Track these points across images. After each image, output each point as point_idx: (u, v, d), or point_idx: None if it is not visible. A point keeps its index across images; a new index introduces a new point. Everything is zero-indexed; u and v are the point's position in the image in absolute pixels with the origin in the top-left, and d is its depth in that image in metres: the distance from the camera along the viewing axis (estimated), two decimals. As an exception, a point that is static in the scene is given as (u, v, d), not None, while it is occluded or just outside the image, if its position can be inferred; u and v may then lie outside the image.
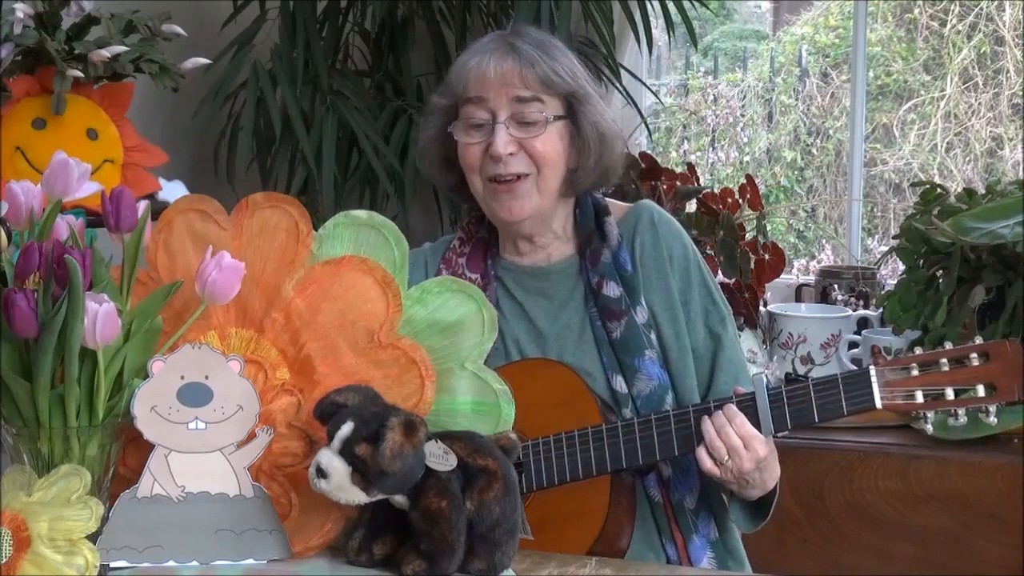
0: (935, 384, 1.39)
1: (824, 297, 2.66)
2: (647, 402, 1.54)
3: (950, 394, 1.39)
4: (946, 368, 1.40)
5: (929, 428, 1.41)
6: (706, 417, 1.43)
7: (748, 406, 1.43)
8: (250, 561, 1.25)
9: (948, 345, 1.42)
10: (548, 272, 1.64)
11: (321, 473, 1.17)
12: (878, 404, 1.41)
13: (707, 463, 1.43)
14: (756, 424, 1.43)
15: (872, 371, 1.41)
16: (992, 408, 1.38)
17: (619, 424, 1.48)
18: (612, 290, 1.58)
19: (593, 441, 1.47)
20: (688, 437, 1.45)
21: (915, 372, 1.41)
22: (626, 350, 1.56)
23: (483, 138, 1.56)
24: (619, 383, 1.55)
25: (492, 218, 1.62)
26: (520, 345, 1.62)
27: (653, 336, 1.58)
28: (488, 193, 1.58)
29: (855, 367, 2.37)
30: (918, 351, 1.43)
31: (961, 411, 1.39)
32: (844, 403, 1.42)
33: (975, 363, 1.39)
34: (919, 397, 1.40)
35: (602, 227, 1.62)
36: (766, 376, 1.45)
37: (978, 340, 1.40)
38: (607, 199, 1.67)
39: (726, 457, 1.42)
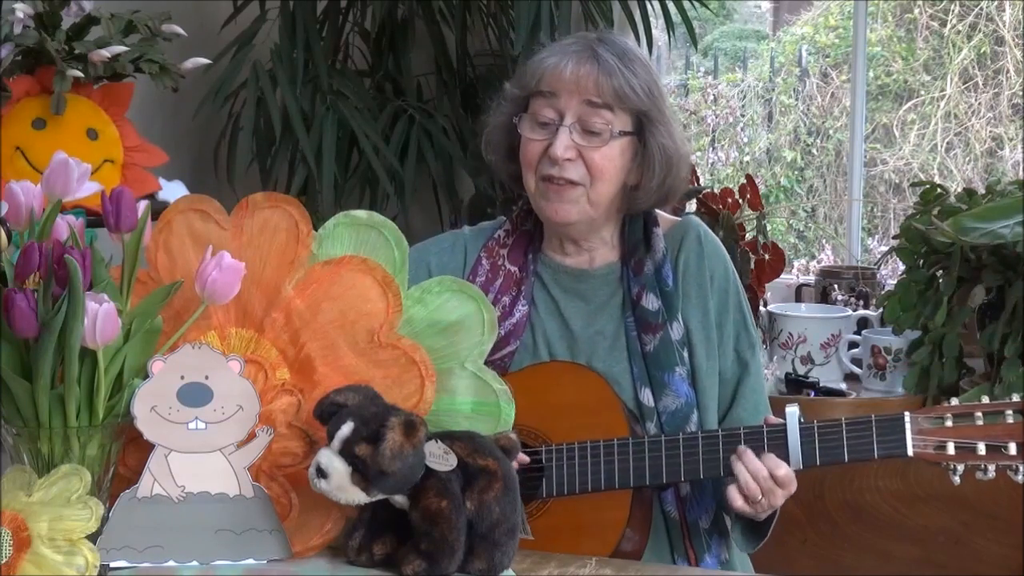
0: (968, 437, 1.37)
1: (824, 297, 2.66)
2: (672, 418, 1.53)
3: (981, 448, 1.36)
4: (980, 422, 1.37)
5: (957, 480, 1.39)
6: (736, 460, 1.42)
7: (779, 438, 1.42)
8: (250, 561, 1.24)
9: (985, 399, 1.39)
10: (589, 275, 1.63)
11: (321, 473, 1.17)
12: (910, 452, 1.39)
13: (739, 502, 1.42)
14: (785, 456, 1.42)
15: (907, 417, 1.39)
16: (1021, 467, 1.36)
17: (646, 440, 1.46)
18: (651, 302, 1.57)
19: (619, 454, 1.45)
20: (715, 462, 1.44)
21: (948, 423, 1.38)
22: (658, 364, 1.55)
23: (546, 137, 1.54)
24: (647, 396, 1.54)
25: (540, 215, 1.61)
26: (550, 343, 1.61)
27: (685, 354, 1.56)
28: (539, 192, 1.57)
29: (855, 367, 2.38)
30: (954, 402, 1.40)
31: (991, 466, 1.36)
32: (876, 447, 1.40)
33: (1010, 420, 1.36)
34: (951, 449, 1.37)
35: (649, 238, 1.61)
36: (798, 409, 1.44)
37: (1015, 397, 1.38)
38: (656, 211, 1.65)
39: (760, 496, 1.42)
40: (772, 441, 1.42)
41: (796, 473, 1.43)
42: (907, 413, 1.40)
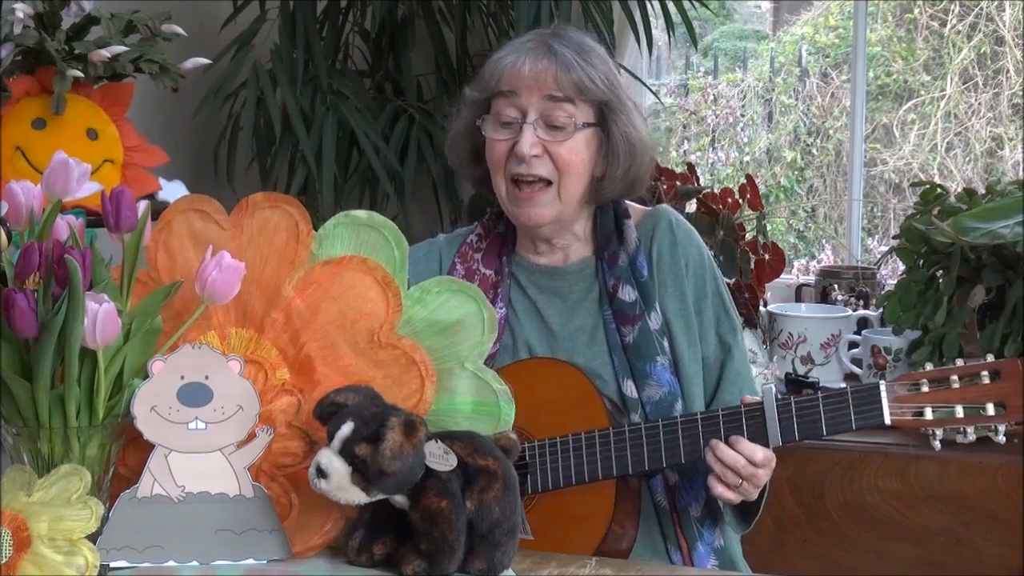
0: (945, 401, 1.38)
1: (824, 297, 2.66)
2: (656, 408, 1.54)
3: (959, 411, 1.38)
4: (956, 385, 1.39)
5: (937, 445, 1.41)
6: (709, 452, 1.43)
7: (756, 416, 1.43)
8: (250, 561, 1.24)
9: (960, 362, 1.41)
10: (564, 272, 1.64)
11: (321, 473, 1.17)
12: (887, 420, 1.40)
13: (718, 489, 1.43)
14: (764, 433, 1.42)
15: (882, 386, 1.40)
16: (1001, 427, 1.37)
17: (626, 429, 1.47)
18: (628, 294, 1.58)
19: (600, 445, 1.46)
20: (695, 445, 1.45)
21: (925, 388, 1.40)
22: (638, 355, 1.55)
23: (510, 136, 1.55)
24: (629, 388, 1.55)
25: (513, 220, 1.62)
26: (530, 344, 1.61)
27: (665, 343, 1.57)
28: (510, 197, 1.58)
29: (855, 367, 2.38)
30: (929, 367, 1.42)
31: (970, 429, 1.38)
32: (853, 417, 1.41)
33: (985, 381, 1.38)
34: (928, 414, 1.39)
35: (621, 230, 1.62)
36: (774, 386, 1.45)
37: (990, 358, 1.39)
38: (627, 202, 1.66)
39: (740, 482, 1.42)
40: (750, 420, 1.43)
41: (776, 450, 1.44)
42: (882, 382, 1.41)
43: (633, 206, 1.66)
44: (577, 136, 1.54)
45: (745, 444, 1.42)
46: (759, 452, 1.42)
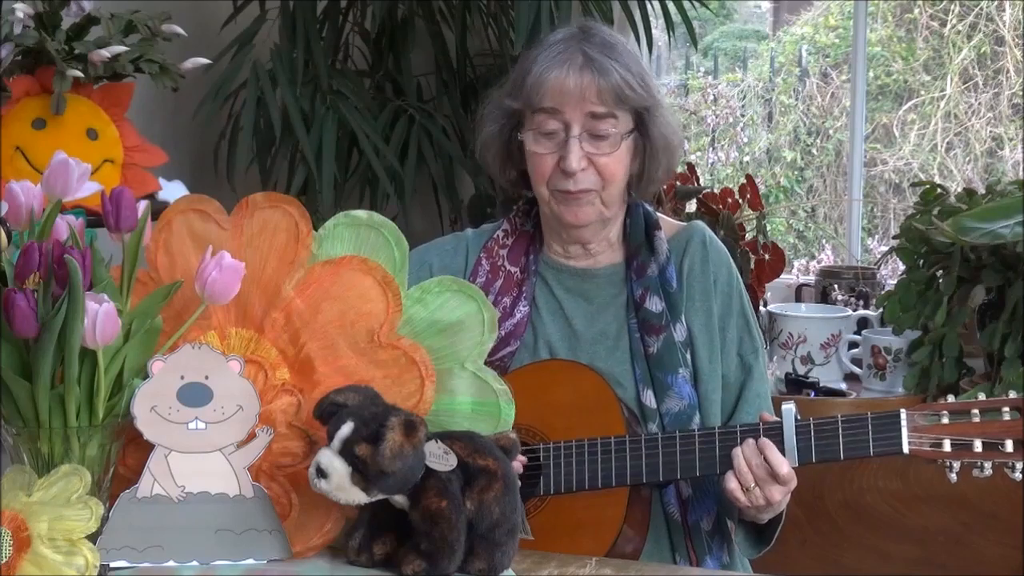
0: (964, 434, 1.37)
1: (824, 297, 2.66)
2: (675, 420, 1.53)
3: (978, 446, 1.36)
4: (977, 419, 1.37)
5: (953, 477, 1.39)
6: (738, 449, 1.42)
7: (775, 435, 1.42)
8: (250, 561, 1.24)
9: (981, 396, 1.39)
10: (592, 275, 1.64)
11: (321, 473, 1.17)
12: (905, 449, 1.39)
13: (731, 483, 1.42)
14: (781, 452, 1.41)
15: (903, 414, 1.39)
16: (1019, 464, 1.35)
17: (643, 438, 1.46)
18: (655, 304, 1.58)
19: (616, 452, 1.46)
20: (711, 460, 1.44)
21: (945, 420, 1.38)
22: (660, 366, 1.55)
23: (554, 149, 1.54)
24: (649, 397, 1.55)
25: (555, 218, 1.61)
26: (551, 344, 1.61)
27: (688, 356, 1.57)
28: (554, 200, 1.57)
29: (855, 367, 2.38)
30: (951, 399, 1.41)
31: (987, 464, 1.36)
32: (871, 444, 1.40)
33: (1006, 417, 1.36)
34: (947, 446, 1.37)
35: (651, 241, 1.62)
36: (794, 406, 1.44)
37: (1012, 394, 1.38)
38: (658, 214, 1.67)
39: (752, 484, 1.41)
40: (768, 438, 1.42)
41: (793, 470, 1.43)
42: (903, 410, 1.40)
43: (665, 219, 1.67)
44: (621, 146, 1.54)
45: (770, 448, 1.42)
46: (784, 467, 1.41)
